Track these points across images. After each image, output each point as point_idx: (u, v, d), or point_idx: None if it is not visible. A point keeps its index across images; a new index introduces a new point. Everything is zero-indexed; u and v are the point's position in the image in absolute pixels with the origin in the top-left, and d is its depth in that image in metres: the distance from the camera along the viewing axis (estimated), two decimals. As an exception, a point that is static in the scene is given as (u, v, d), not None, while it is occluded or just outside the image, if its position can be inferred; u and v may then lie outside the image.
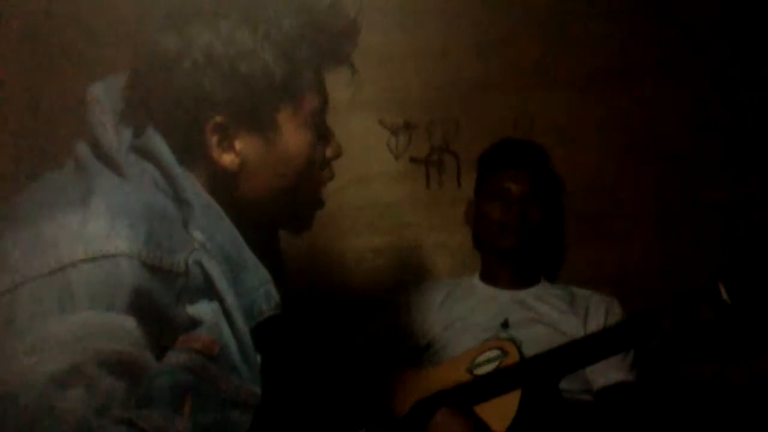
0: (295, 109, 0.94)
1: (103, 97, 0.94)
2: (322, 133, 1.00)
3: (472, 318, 1.74)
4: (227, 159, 0.93)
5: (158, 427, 0.80)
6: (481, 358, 1.54)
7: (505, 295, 1.78)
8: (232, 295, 0.90)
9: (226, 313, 0.89)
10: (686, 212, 1.92)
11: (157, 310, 0.84)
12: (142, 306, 0.82)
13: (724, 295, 1.28)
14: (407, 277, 1.96)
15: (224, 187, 0.95)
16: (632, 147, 1.94)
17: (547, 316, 1.72)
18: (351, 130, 1.99)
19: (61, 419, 0.75)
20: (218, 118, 0.90)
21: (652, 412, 1.67)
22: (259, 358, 0.94)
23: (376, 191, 2.00)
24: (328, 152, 1.02)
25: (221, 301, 0.89)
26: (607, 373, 1.64)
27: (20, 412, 0.74)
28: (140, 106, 0.92)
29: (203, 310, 0.88)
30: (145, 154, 0.91)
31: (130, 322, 0.81)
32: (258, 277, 0.95)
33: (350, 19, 0.96)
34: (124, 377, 0.80)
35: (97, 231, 0.81)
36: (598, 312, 1.72)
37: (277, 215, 1.01)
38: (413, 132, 1.99)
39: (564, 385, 1.57)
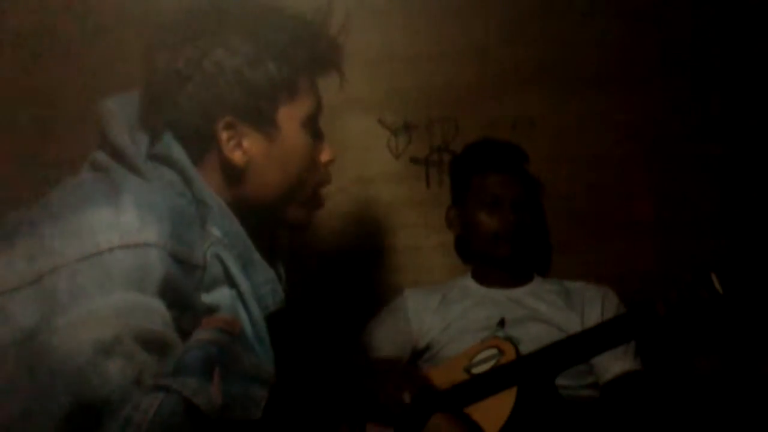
0: (292, 110, 1.05)
1: (118, 110, 1.04)
2: (318, 136, 1.10)
3: (468, 318, 1.73)
4: (237, 155, 1.03)
5: (194, 391, 0.87)
6: (479, 357, 1.54)
7: (500, 294, 1.78)
8: (246, 284, 1.01)
9: (242, 299, 1.00)
10: (686, 212, 1.92)
11: (181, 297, 0.93)
12: (168, 292, 0.91)
13: (717, 286, 1.28)
14: (407, 277, 1.96)
15: (233, 185, 1.05)
16: (632, 147, 1.94)
17: (544, 312, 1.71)
18: (351, 130, 1.99)
19: (107, 381, 0.83)
20: (228, 118, 1.01)
21: (662, 399, 1.67)
22: (269, 342, 1.04)
23: (376, 191, 2.00)
24: (323, 156, 1.11)
25: (237, 288, 1.00)
26: (612, 365, 1.64)
27: (72, 373, 0.82)
28: (156, 115, 1.03)
29: (222, 296, 0.99)
30: (163, 159, 1.01)
31: (160, 305, 0.90)
32: (264, 274, 1.05)
33: (338, 30, 1.08)
34: (156, 353, 0.89)
35: (129, 223, 0.91)
36: (594, 304, 1.72)
37: (279, 213, 1.10)
38: (413, 132, 1.99)
39: (562, 381, 1.58)
